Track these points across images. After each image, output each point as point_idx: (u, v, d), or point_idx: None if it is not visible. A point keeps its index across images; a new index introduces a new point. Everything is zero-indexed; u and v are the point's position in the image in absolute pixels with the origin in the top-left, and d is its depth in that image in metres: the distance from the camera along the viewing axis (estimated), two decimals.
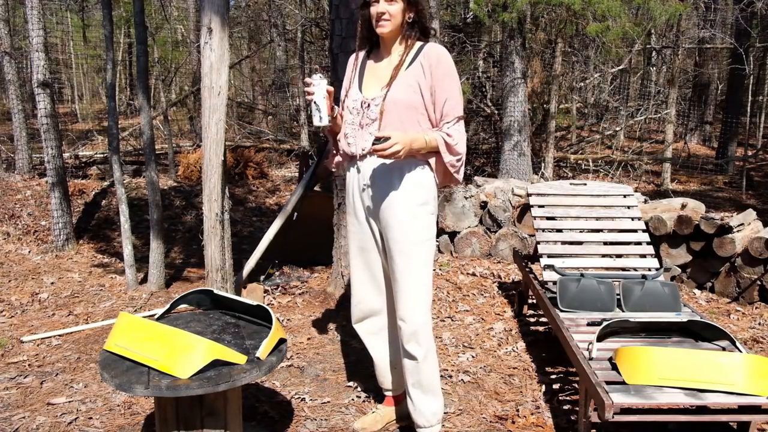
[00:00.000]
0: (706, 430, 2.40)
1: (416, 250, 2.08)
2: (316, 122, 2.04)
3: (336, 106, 2.15)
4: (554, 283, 3.11)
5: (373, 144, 1.91)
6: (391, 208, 2.08)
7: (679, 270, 4.27)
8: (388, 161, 2.05)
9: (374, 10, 2.02)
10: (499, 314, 3.74)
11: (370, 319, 2.35)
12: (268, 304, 3.89)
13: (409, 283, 2.09)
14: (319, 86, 1.99)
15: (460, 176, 2.14)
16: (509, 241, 4.95)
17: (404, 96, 2.03)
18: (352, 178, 2.20)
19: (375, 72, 2.14)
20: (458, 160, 2.09)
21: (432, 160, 2.10)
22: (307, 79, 2.05)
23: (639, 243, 3.38)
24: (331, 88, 2.04)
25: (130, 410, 2.57)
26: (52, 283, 4.37)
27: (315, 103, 2.01)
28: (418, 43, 2.09)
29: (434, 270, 4.59)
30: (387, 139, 1.89)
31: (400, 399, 2.47)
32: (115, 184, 4.24)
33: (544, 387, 2.78)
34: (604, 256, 3.36)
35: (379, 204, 2.11)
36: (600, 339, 2.44)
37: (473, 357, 3.12)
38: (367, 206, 2.17)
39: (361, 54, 2.21)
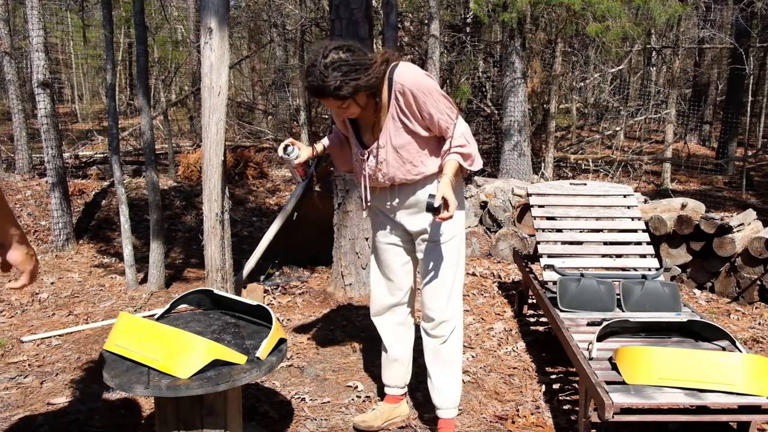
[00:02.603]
0: (706, 430, 2.40)
1: (447, 246, 2.16)
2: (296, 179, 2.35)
3: (311, 162, 2.42)
4: (554, 283, 3.11)
5: (432, 211, 1.93)
6: (419, 215, 2.16)
7: (679, 270, 4.27)
8: (416, 189, 2.14)
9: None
10: (499, 314, 3.74)
11: (386, 315, 2.41)
12: (268, 304, 3.89)
13: (449, 275, 2.18)
14: (290, 161, 2.21)
15: (474, 165, 2.10)
16: (509, 241, 4.95)
17: (399, 142, 2.05)
18: (376, 195, 2.26)
19: (363, 117, 2.10)
20: (467, 157, 2.06)
21: None
22: (281, 154, 2.19)
23: (639, 243, 3.37)
24: (302, 160, 2.20)
25: (130, 410, 2.57)
26: (52, 283, 4.37)
27: (290, 170, 2.32)
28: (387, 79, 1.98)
29: None
30: (443, 203, 1.92)
31: (401, 398, 2.48)
32: (115, 184, 4.24)
33: (544, 387, 2.78)
34: (604, 256, 3.36)
35: (406, 212, 2.19)
36: (600, 339, 2.44)
37: (473, 357, 3.12)
38: (393, 213, 2.23)
39: None
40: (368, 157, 2.12)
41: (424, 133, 2.05)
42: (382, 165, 2.09)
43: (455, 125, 2.03)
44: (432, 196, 1.94)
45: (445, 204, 1.93)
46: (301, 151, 2.20)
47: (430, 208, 1.92)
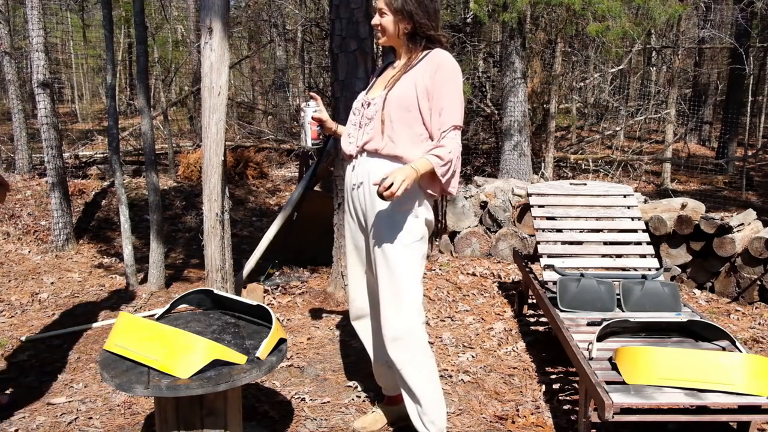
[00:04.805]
0: (706, 430, 2.40)
1: (398, 253, 2.04)
2: (301, 142, 2.23)
3: (324, 128, 2.26)
4: (554, 283, 3.11)
5: (378, 193, 1.84)
6: (374, 209, 2.07)
7: (679, 270, 4.27)
8: (379, 162, 2.05)
9: None
10: (499, 314, 3.74)
11: (365, 320, 2.36)
12: (268, 304, 3.89)
13: (390, 286, 2.05)
14: (306, 113, 2.17)
15: (450, 186, 2.04)
16: (509, 241, 4.95)
17: (400, 96, 2.01)
18: (348, 176, 2.22)
19: (385, 77, 2.17)
20: (446, 169, 1.99)
21: None
22: (303, 105, 2.19)
23: (639, 243, 3.38)
24: (320, 116, 2.19)
25: (130, 410, 2.57)
26: (52, 283, 4.37)
27: (302, 125, 2.20)
28: (426, 51, 2.06)
29: (434, 270, 4.59)
30: (390, 180, 1.83)
31: (400, 399, 2.47)
32: (115, 184, 4.24)
33: (544, 387, 2.79)
34: (604, 256, 3.36)
35: (366, 204, 2.12)
36: (600, 339, 2.44)
37: (473, 357, 3.12)
38: (357, 205, 2.18)
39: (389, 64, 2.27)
40: (369, 106, 2.08)
41: (421, 109, 2.00)
42: (375, 115, 2.04)
43: (450, 132, 1.98)
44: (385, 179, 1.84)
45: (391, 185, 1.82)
46: (319, 112, 2.19)
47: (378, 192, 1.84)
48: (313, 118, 2.16)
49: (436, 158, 1.95)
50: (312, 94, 2.20)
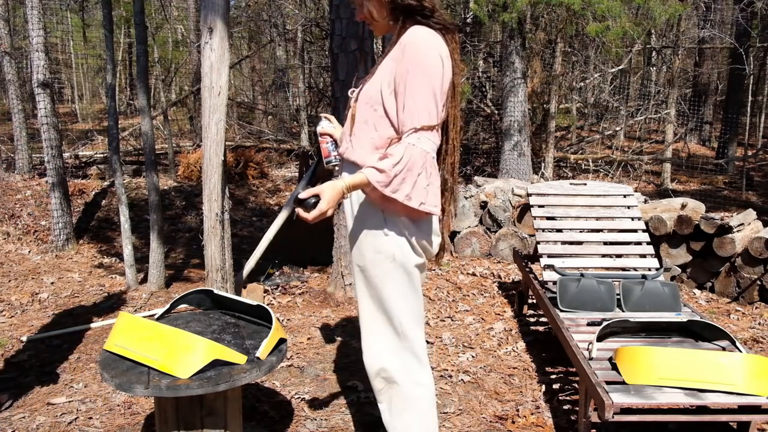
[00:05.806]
0: (706, 430, 2.40)
1: (370, 272, 1.72)
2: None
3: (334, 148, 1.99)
4: (554, 283, 3.12)
5: (297, 205, 1.57)
6: (354, 220, 1.78)
7: (679, 270, 4.27)
8: (346, 167, 1.78)
9: None
10: (499, 314, 3.74)
11: None
12: (268, 304, 3.89)
13: (363, 310, 1.79)
14: (317, 133, 1.97)
15: (413, 201, 1.60)
16: (509, 241, 4.95)
17: (367, 92, 1.71)
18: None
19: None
20: (395, 186, 1.57)
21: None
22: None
23: (639, 243, 3.38)
24: (328, 131, 1.95)
25: (130, 410, 2.57)
26: (52, 283, 4.37)
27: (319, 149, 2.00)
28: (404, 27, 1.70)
29: (434, 270, 4.59)
30: (316, 198, 1.55)
31: None
32: (115, 184, 4.24)
33: (544, 387, 2.78)
34: (604, 256, 3.36)
35: (348, 212, 1.83)
36: (600, 339, 2.44)
37: (473, 357, 3.12)
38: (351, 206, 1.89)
39: None
40: (357, 97, 1.77)
41: (385, 105, 1.66)
42: (354, 108, 1.75)
43: (410, 136, 1.59)
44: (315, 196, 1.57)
45: (316, 204, 1.54)
46: (326, 126, 1.95)
47: (298, 200, 1.57)
48: (321, 134, 1.94)
49: (374, 172, 1.55)
50: (323, 114, 1.98)
